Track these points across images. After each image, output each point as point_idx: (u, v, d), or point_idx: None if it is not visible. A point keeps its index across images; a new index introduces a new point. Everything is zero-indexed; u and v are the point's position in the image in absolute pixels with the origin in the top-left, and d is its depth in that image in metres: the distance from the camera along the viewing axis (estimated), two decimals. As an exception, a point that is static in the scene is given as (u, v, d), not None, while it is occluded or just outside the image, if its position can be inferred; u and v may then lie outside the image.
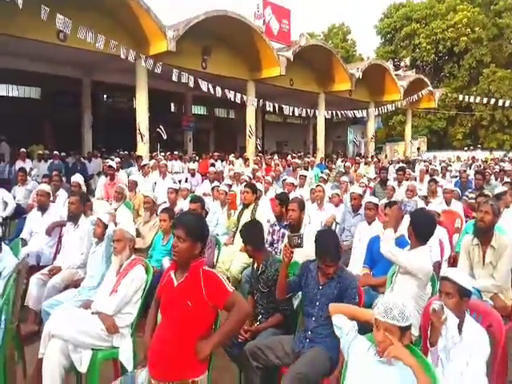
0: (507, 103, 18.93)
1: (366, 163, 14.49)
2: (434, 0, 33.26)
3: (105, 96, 20.04)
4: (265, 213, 5.10)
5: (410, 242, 3.11)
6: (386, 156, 23.76)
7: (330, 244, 2.73)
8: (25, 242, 4.65)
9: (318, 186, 6.44)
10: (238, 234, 4.56)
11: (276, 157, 15.64)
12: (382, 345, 1.93)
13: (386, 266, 3.33)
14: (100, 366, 2.75)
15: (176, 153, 14.32)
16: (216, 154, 15.62)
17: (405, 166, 10.90)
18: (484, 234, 3.34)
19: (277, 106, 13.77)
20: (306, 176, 8.38)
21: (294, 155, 16.29)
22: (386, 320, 1.89)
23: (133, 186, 6.79)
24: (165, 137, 14.00)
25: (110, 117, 18.03)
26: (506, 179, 8.34)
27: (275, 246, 4.33)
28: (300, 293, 2.92)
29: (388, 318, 1.89)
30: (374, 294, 3.47)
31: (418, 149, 25.88)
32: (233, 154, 15.48)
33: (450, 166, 14.09)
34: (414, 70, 24.68)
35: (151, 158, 12.27)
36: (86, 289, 3.55)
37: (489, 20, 30.99)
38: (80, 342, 2.72)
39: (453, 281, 2.23)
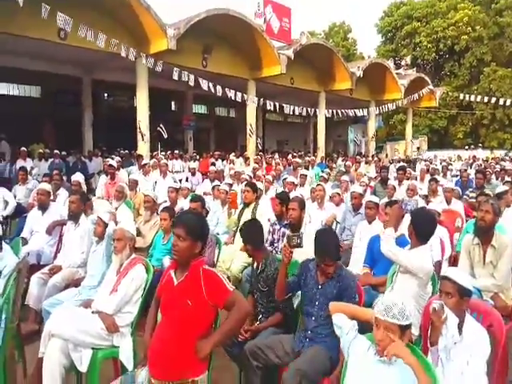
0: (508, 102, 18.90)
1: (366, 162, 14.49)
2: (435, -2, 33.23)
3: (105, 95, 20.03)
4: (265, 212, 5.10)
5: (410, 241, 3.10)
6: (386, 155, 23.73)
7: (329, 243, 2.73)
8: (25, 241, 4.65)
9: (318, 185, 6.44)
10: (238, 234, 4.56)
11: (277, 156, 15.64)
12: (381, 344, 1.92)
13: (386, 265, 3.33)
14: (100, 365, 2.75)
15: (176, 152, 14.32)
16: (216, 153, 15.62)
17: (405, 165, 10.87)
18: (484, 234, 3.34)
19: (277, 104, 13.75)
20: (306, 175, 8.38)
21: (295, 154, 16.28)
22: (386, 318, 1.89)
23: (133, 185, 6.78)
24: (165, 136, 13.98)
25: (110, 115, 18.02)
26: (507, 178, 8.35)
27: (275, 245, 4.33)
28: (299, 292, 2.92)
29: (388, 316, 1.88)
30: (375, 294, 3.47)
31: (418, 148, 25.85)
32: (233, 153, 15.47)
33: (451, 165, 14.08)
34: (414, 69, 24.68)
35: (152, 157, 12.26)
36: (87, 288, 3.55)
37: (489, 19, 30.94)
38: (80, 341, 2.73)
39: (453, 280, 2.22)
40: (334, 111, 16.48)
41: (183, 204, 6.02)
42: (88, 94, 15.79)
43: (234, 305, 2.17)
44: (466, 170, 9.16)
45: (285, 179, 7.83)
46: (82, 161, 12.43)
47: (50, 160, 11.50)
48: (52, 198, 5.32)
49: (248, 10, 14.96)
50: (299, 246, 2.73)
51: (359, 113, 16.99)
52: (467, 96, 20.19)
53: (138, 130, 12.76)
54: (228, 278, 4.45)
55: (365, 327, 2.22)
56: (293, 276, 2.94)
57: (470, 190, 7.26)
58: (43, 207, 4.89)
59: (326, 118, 18.51)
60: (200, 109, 23.58)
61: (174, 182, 8.21)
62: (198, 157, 14.72)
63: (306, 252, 3.06)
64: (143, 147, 12.69)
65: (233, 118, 24.98)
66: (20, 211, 6.26)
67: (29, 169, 9.14)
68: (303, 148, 24.30)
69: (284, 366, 2.60)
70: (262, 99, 13.76)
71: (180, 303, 2.14)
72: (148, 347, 2.23)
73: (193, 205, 4.65)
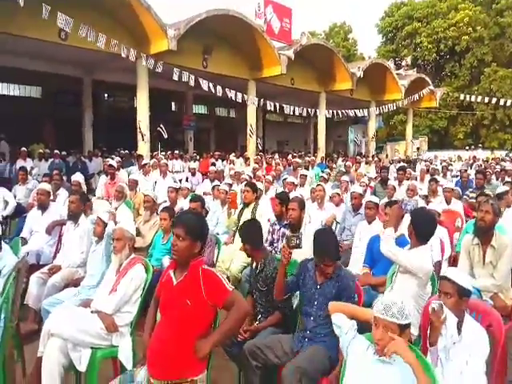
0: (508, 102, 18.90)
1: (366, 162, 14.49)
2: (436, -1, 33.24)
3: (105, 95, 20.07)
4: (265, 212, 5.10)
5: (410, 241, 3.10)
6: (386, 155, 23.73)
7: (328, 243, 2.72)
8: (25, 241, 4.65)
9: (318, 185, 6.44)
10: (238, 233, 4.56)
11: (277, 156, 15.63)
12: (380, 343, 1.92)
13: (386, 265, 3.33)
14: (99, 364, 2.74)
15: (177, 152, 14.33)
16: (217, 153, 15.63)
17: (405, 165, 10.87)
18: (484, 234, 3.34)
19: (278, 105, 13.76)
20: (306, 175, 8.38)
21: (295, 154, 16.28)
22: (385, 317, 1.88)
23: (133, 185, 6.78)
24: (165, 136, 14.00)
25: (110, 116, 18.05)
26: (507, 179, 8.33)
27: (275, 245, 4.32)
28: (298, 292, 2.91)
29: (387, 315, 1.88)
30: (374, 294, 3.47)
31: (418, 149, 25.85)
32: (233, 154, 15.48)
33: (451, 165, 14.07)
34: (415, 69, 24.66)
35: (152, 157, 12.27)
36: (86, 288, 3.55)
37: (490, 19, 30.93)
38: (79, 341, 2.72)
39: (452, 280, 2.22)
40: (335, 111, 16.49)
41: (183, 204, 6.02)
42: (88, 95, 15.81)
43: (233, 305, 2.17)
44: (466, 171, 9.15)
45: (285, 179, 7.82)
46: (82, 161, 12.44)
47: (50, 160, 11.50)
48: (52, 197, 5.32)
49: (248, 10, 14.98)
50: (298, 246, 2.73)
51: (359, 113, 16.99)
52: (468, 96, 20.19)
53: (138, 130, 12.77)
54: (227, 277, 4.45)
55: (364, 327, 2.22)
56: (291, 276, 2.93)
57: (470, 190, 7.25)
58: (43, 207, 4.89)
59: (326, 118, 18.51)
60: (200, 109, 23.60)
61: (174, 182, 8.21)
62: (198, 157, 14.73)
63: (305, 253, 3.06)
64: (143, 147, 12.69)
65: (233, 119, 24.99)
66: (20, 211, 6.26)
67: (29, 169, 9.14)
68: (303, 148, 24.30)
69: (283, 365, 2.59)
70: (262, 99, 13.76)
71: (179, 303, 2.14)
72: (147, 347, 2.23)
73: (192, 205, 4.65)
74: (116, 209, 5.41)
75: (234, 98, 12.52)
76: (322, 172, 9.62)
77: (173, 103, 22.36)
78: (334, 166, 13.80)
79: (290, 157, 14.72)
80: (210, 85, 11.72)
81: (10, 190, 6.94)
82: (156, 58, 11.10)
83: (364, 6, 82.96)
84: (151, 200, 5.27)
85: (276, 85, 16.45)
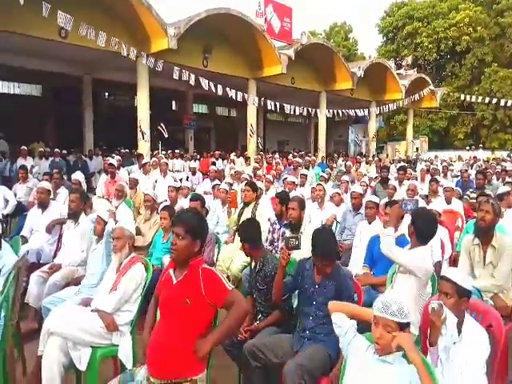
0: (509, 103, 18.89)
1: (367, 162, 14.50)
2: (436, -1, 33.23)
3: (106, 94, 20.05)
4: (265, 211, 5.10)
5: (410, 241, 3.10)
6: (387, 155, 23.76)
7: (327, 243, 2.71)
8: (25, 240, 4.65)
9: (318, 185, 6.44)
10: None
11: (277, 155, 15.63)
12: (380, 342, 1.92)
13: (386, 265, 3.33)
14: (99, 363, 2.74)
15: (177, 151, 14.33)
16: (217, 152, 15.62)
17: (406, 165, 10.87)
18: (485, 234, 3.33)
19: (278, 104, 13.75)
20: (306, 175, 8.37)
21: (295, 154, 16.28)
22: (385, 315, 1.88)
23: (133, 184, 6.78)
24: (166, 135, 14.01)
25: (111, 115, 18.05)
26: (508, 179, 8.31)
27: (275, 244, 4.32)
28: (297, 292, 2.91)
29: (387, 313, 1.88)
30: (374, 294, 3.46)
31: (417, 149, 25.84)
32: (234, 153, 15.49)
33: (452, 165, 14.04)
34: (415, 69, 24.67)
35: (152, 156, 12.27)
36: (87, 286, 3.54)
37: (491, 19, 30.91)
38: (79, 340, 2.72)
39: (451, 281, 2.21)
40: (335, 111, 16.49)
41: (183, 203, 6.01)
42: (89, 93, 15.80)
43: (232, 304, 2.17)
44: (466, 171, 9.14)
45: (285, 179, 7.82)
46: (83, 159, 12.45)
47: (51, 159, 11.52)
48: (52, 196, 5.32)
49: (249, 9, 14.97)
50: (297, 247, 2.71)
51: (360, 113, 16.99)
52: (468, 97, 20.19)
53: (139, 129, 12.76)
54: (228, 277, 4.45)
55: (364, 327, 2.21)
56: (289, 276, 2.91)
57: (471, 190, 7.25)
58: (43, 206, 4.88)
59: (326, 118, 18.51)
60: (201, 108, 23.60)
61: (174, 181, 8.20)
62: (198, 156, 14.74)
63: (306, 253, 3.05)
64: (144, 146, 12.69)
65: (233, 118, 24.99)
66: (20, 210, 6.27)
67: (29, 167, 9.15)
68: (304, 148, 24.28)
69: (283, 365, 2.59)
70: (262, 99, 13.76)
71: (179, 302, 2.13)
72: (147, 346, 2.22)
73: (192, 204, 4.65)
74: (116, 208, 5.41)
75: (234, 98, 12.52)
76: (323, 172, 9.62)
77: (173, 102, 22.35)
78: (335, 165, 13.80)
79: (290, 156, 14.72)
80: (211, 84, 11.72)
81: (11, 189, 6.95)
82: (156, 56, 11.10)
83: (364, 5, 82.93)
84: (151, 199, 5.27)
85: (276, 84, 16.44)
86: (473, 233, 3.46)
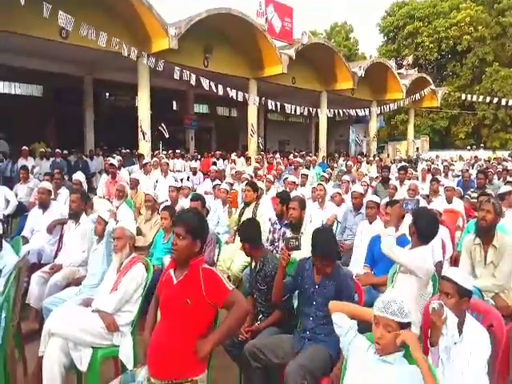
0: (510, 102, 18.89)
1: (368, 162, 14.48)
2: (437, -2, 33.21)
3: (107, 94, 20.06)
4: (266, 211, 5.10)
5: (411, 240, 3.09)
6: (388, 155, 23.74)
7: (327, 243, 2.70)
8: (26, 240, 4.65)
9: (319, 184, 6.43)
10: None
11: (278, 155, 15.63)
12: (380, 341, 1.91)
13: (387, 265, 3.32)
14: (100, 364, 2.74)
15: (178, 151, 14.33)
16: (218, 152, 15.62)
17: (407, 165, 10.86)
18: (486, 234, 3.32)
19: (279, 104, 13.74)
20: (307, 175, 8.37)
21: (296, 154, 16.27)
22: (385, 315, 1.88)
23: (134, 184, 6.78)
24: (167, 135, 14.01)
25: (112, 115, 18.05)
26: (509, 179, 8.31)
27: (276, 244, 4.32)
28: (297, 292, 2.90)
29: (387, 313, 1.87)
30: (375, 294, 3.45)
31: (418, 149, 25.81)
32: (235, 153, 15.47)
33: (453, 165, 14.04)
34: (416, 69, 24.65)
35: (153, 156, 12.27)
36: (88, 287, 3.54)
37: (492, 18, 30.87)
38: (80, 340, 2.72)
39: (452, 281, 2.21)
40: (336, 111, 16.47)
41: (184, 203, 6.02)
42: (89, 93, 15.81)
43: (233, 304, 2.16)
44: (467, 170, 9.14)
45: (286, 179, 7.81)
46: (84, 160, 12.46)
47: (52, 159, 11.52)
48: (53, 196, 5.32)
49: (249, 9, 14.96)
50: (297, 248, 2.70)
51: (361, 113, 16.98)
52: (469, 96, 20.18)
53: (140, 129, 12.77)
54: (228, 277, 4.45)
55: (365, 327, 2.21)
56: (289, 277, 2.90)
57: (472, 190, 7.24)
58: (44, 206, 4.89)
59: (327, 117, 18.49)
60: (201, 108, 23.60)
61: (175, 181, 8.19)
62: (199, 156, 14.73)
63: (304, 254, 3.05)
64: (144, 146, 12.70)
65: (234, 118, 24.98)
66: (21, 210, 6.27)
67: (30, 168, 9.16)
68: (305, 148, 24.26)
69: (284, 365, 2.59)
70: (263, 99, 13.76)
71: (179, 302, 2.13)
72: (147, 346, 2.22)
73: (193, 204, 4.65)
74: (117, 208, 5.41)
75: (235, 97, 12.51)
76: (324, 171, 9.61)
77: (174, 102, 22.35)
78: (335, 165, 13.79)
79: (291, 156, 14.71)
80: (211, 84, 11.71)
81: (12, 189, 6.95)
82: (157, 56, 11.09)
83: (365, 5, 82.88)
84: (152, 199, 5.27)
85: (277, 84, 16.43)
86: (474, 232, 3.46)
